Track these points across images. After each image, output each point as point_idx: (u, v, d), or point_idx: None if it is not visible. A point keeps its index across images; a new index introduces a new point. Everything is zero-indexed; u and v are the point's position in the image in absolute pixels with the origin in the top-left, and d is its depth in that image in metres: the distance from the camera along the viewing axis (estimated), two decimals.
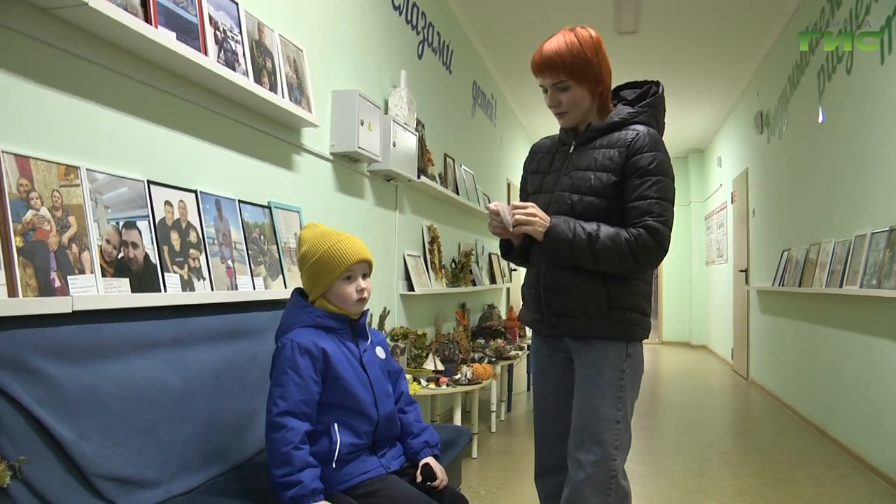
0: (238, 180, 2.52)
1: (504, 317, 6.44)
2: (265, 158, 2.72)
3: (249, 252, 2.41)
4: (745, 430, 5.58)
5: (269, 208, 2.64)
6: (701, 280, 11.67)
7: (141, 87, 2.02)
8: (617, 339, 1.99)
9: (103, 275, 1.72)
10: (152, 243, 1.93)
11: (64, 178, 1.65)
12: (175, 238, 2.04)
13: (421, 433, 2.03)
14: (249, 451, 2.15)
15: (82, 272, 1.65)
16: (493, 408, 4.91)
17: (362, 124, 3.32)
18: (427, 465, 1.95)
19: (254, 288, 2.38)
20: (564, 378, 2.11)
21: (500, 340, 5.29)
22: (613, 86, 2.11)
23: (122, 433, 1.65)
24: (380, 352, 2.04)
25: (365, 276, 1.96)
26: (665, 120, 2.13)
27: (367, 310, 2.02)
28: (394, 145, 3.70)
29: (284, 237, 2.68)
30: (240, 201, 2.43)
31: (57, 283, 1.57)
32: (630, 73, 2.17)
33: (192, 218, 2.14)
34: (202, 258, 2.14)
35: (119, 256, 1.79)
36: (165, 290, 1.93)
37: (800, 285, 5.25)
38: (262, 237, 2.52)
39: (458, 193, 5.32)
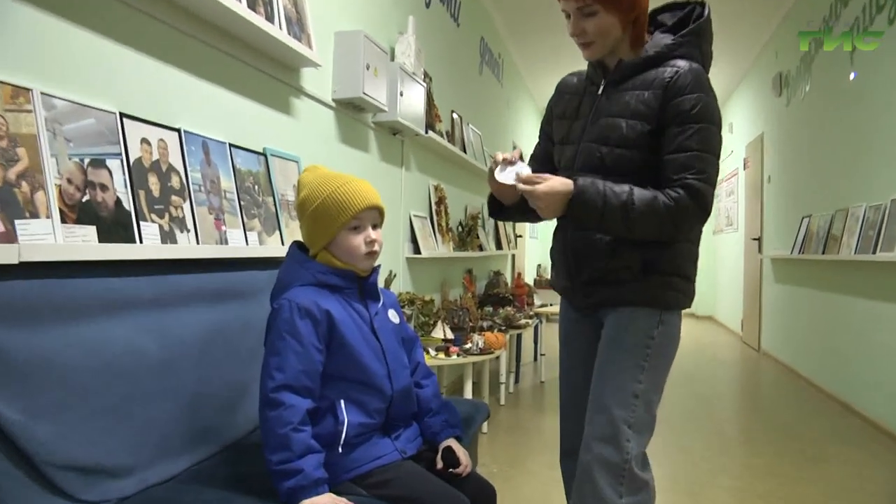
0: (229, 122, 2.21)
1: (510, 284, 6.17)
2: (260, 100, 2.41)
3: (242, 203, 2.11)
4: (763, 404, 5.35)
5: (265, 155, 2.34)
6: (708, 249, 11.36)
7: (116, 4, 1.71)
8: (651, 304, 1.72)
9: (63, 220, 1.42)
10: (125, 186, 1.63)
11: (11, 101, 1.35)
12: (153, 182, 1.74)
13: (440, 410, 1.75)
14: (242, 430, 1.88)
15: (35, 216, 1.36)
16: (503, 379, 4.66)
17: (367, 69, 3.00)
18: (448, 448, 1.68)
19: (247, 243, 2.09)
20: (594, 347, 1.82)
21: (509, 308, 5.02)
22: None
23: (86, 411, 1.36)
24: (393, 315, 1.74)
25: (375, 225, 1.67)
26: (712, 49, 1.77)
27: (378, 266, 1.72)
28: (401, 95, 3.39)
29: (282, 189, 2.39)
30: (231, 145, 2.13)
31: (1, 228, 1.28)
32: None
33: (175, 160, 1.84)
34: (186, 206, 1.84)
35: (84, 199, 1.50)
36: (141, 242, 1.64)
37: (823, 252, 4.97)
38: (256, 187, 2.22)
39: (465, 153, 5.01)
